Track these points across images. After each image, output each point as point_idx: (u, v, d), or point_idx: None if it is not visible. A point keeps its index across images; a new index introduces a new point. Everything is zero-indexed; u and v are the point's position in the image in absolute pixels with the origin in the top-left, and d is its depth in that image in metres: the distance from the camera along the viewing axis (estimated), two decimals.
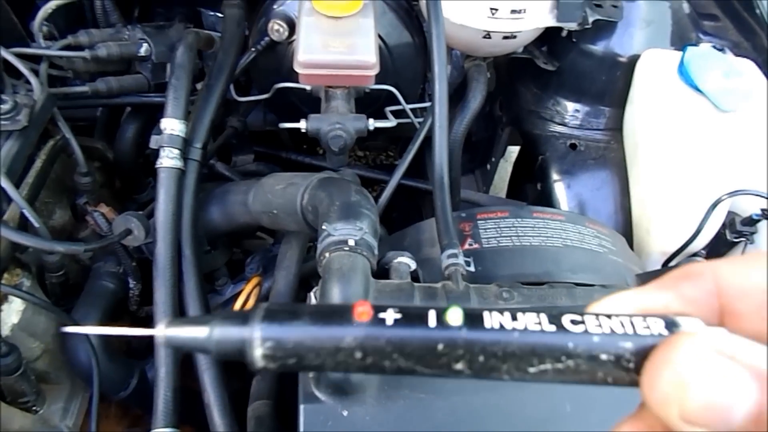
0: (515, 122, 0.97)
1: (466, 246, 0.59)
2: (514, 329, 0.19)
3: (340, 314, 0.19)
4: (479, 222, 0.62)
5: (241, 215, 0.67)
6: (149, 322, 0.74)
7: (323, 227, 0.51)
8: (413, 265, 0.53)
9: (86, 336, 0.63)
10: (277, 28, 0.81)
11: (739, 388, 0.16)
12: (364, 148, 1.33)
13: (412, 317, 0.19)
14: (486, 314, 0.19)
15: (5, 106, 0.59)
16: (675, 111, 0.72)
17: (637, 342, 0.18)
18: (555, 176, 0.84)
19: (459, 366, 0.19)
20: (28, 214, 0.58)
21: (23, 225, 0.63)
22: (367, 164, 1.40)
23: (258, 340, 0.20)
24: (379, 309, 0.19)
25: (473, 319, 0.19)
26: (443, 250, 0.53)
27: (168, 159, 0.62)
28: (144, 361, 0.70)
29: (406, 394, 0.44)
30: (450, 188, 0.60)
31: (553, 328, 0.19)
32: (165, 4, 0.96)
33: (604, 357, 0.18)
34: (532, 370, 0.18)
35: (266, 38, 0.82)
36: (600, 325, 0.19)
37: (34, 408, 0.63)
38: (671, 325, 0.19)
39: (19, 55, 0.70)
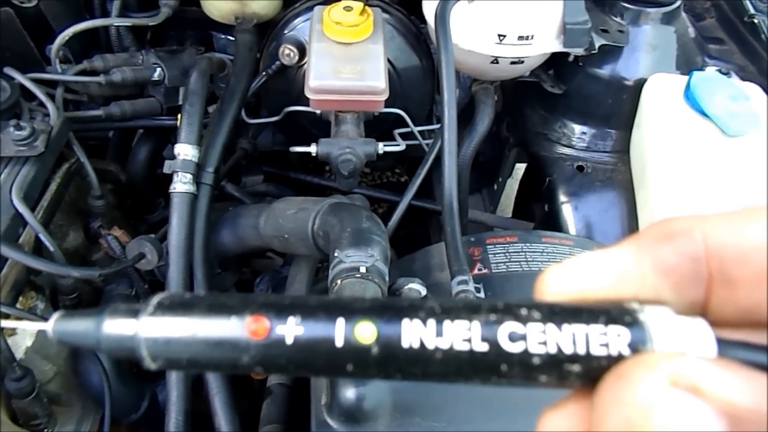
0: (522, 144, 0.97)
1: (476, 271, 0.60)
2: (436, 348, 0.15)
3: (234, 327, 0.16)
4: (488, 247, 0.62)
5: (253, 239, 0.68)
6: None
7: (335, 254, 0.52)
8: (423, 291, 0.54)
9: (98, 358, 0.64)
10: (287, 53, 0.82)
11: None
12: (370, 167, 1.34)
13: (317, 334, 0.16)
14: (405, 327, 0.15)
15: (23, 133, 0.60)
16: (682, 135, 0.72)
17: (586, 364, 0.15)
18: (562, 198, 0.85)
19: (375, 378, 0.16)
20: (44, 238, 0.59)
21: (38, 248, 0.64)
22: (374, 182, 1.41)
23: (143, 341, 0.16)
24: (276, 321, 0.16)
25: (388, 336, 0.15)
26: (453, 277, 0.54)
27: (181, 184, 0.63)
28: (155, 384, 0.70)
29: (418, 422, 0.44)
30: (459, 211, 0.61)
31: (485, 347, 0.15)
32: (177, 28, 0.97)
33: (543, 379, 0.15)
34: (457, 383, 0.16)
35: (277, 62, 0.83)
36: (545, 342, 0.15)
37: (45, 430, 0.64)
38: (636, 343, 0.15)
39: (36, 80, 0.71)
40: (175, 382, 0.60)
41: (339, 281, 0.50)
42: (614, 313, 0.15)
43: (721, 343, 0.14)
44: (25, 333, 0.61)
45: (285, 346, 0.16)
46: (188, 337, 0.16)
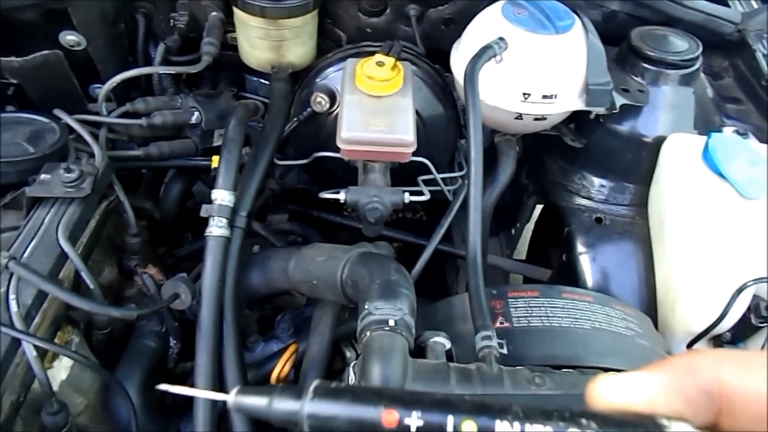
0: (541, 192, 1.00)
1: (498, 324, 0.61)
2: None
3: (372, 418, 0.22)
4: (510, 300, 0.64)
5: (281, 282, 0.71)
6: (185, 380, 0.77)
7: (365, 306, 0.54)
8: (448, 345, 0.56)
9: (127, 393, 0.66)
10: (319, 101, 0.86)
11: None
12: None
13: (433, 427, 0.22)
14: (497, 425, 0.21)
15: (72, 175, 0.63)
16: (700, 196, 0.74)
17: None
18: (580, 248, 0.87)
19: None
20: (86, 277, 0.62)
21: (76, 283, 0.67)
22: (390, 220, 1.43)
23: (305, 417, 0.23)
24: (404, 414, 0.22)
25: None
26: (477, 332, 0.56)
27: (217, 228, 0.66)
28: (179, 419, 0.72)
29: None
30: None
31: None
32: (211, 70, 1.02)
33: None
34: None
35: (308, 109, 0.87)
36: None
37: None
38: None
39: (81, 121, 0.75)
40: (201, 420, 0.62)
41: (368, 333, 0.52)
42: (650, 426, 0.20)
43: None
44: (60, 366, 0.63)
45: None
46: (338, 417, 0.22)
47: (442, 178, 0.91)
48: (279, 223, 0.98)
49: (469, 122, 0.67)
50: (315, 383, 0.24)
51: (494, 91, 0.76)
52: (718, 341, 0.74)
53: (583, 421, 0.21)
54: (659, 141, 0.83)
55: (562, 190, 0.93)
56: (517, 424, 0.21)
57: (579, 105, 0.78)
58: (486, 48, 0.73)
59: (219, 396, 0.26)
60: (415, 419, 0.21)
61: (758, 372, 0.20)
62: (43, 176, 0.65)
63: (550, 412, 0.21)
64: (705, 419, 0.20)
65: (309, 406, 0.23)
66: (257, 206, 0.90)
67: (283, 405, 0.23)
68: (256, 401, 0.24)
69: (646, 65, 0.84)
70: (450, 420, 0.21)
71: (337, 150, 0.76)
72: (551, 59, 0.75)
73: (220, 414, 0.65)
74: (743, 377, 0.20)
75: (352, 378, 0.54)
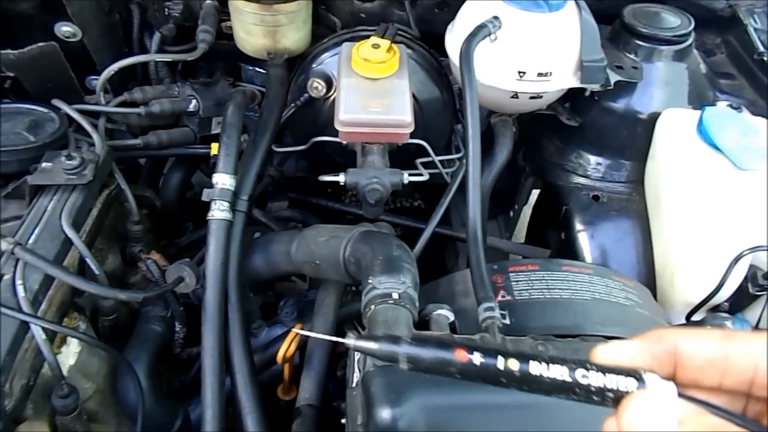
0: (539, 173, 1.01)
1: (499, 298, 0.62)
2: (546, 376, 0.30)
3: (448, 355, 0.31)
4: (511, 274, 0.65)
5: (284, 264, 0.71)
6: (190, 365, 0.78)
7: (368, 281, 0.55)
8: (451, 317, 0.57)
9: (136, 377, 0.66)
10: (316, 86, 0.86)
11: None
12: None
13: (490, 363, 0.30)
14: (532, 364, 0.30)
15: (74, 162, 0.64)
16: (695, 168, 0.75)
17: (616, 394, 0.29)
18: (579, 226, 0.88)
19: (513, 388, 0.30)
20: (91, 263, 0.63)
21: (81, 271, 0.68)
22: (388, 207, 1.44)
23: (403, 356, 0.31)
24: (469, 353, 0.30)
25: (525, 368, 0.30)
26: (479, 303, 0.56)
27: (219, 211, 0.67)
28: (187, 403, 0.73)
29: None
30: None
31: (569, 379, 0.29)
32: (207, 59, 1.02)
33: (595, 398, 0.30)
34: (552, 396, 0.30)
35: (305, 94, 0.87)
36: (599, 381, 0.29)
37: None
38: (640, 381, 0.29)
39: (80, 111, 0.76)
40: (210, 401, 0.62)
41: (373, 306, 0.53)
42: (632, 372, 0.30)
43: (680, 393, 0.29)
44: (68, 352, 0.64)
45: (473, 365, 0.30)
46: (425, 354, 0.31)
47: (440, 161, 0.92)
48: (279, 210, 0.99)
49: (466, 100, 0.68)
50: (410, 335, 0.34)
51: (489, 70, 0.77)
52: (717, 312, 0.75)
53: (588, 365, 0.30)
54: (654, 117, 0.83)
55: (559, 170, 0.93)
56: (544, 365, 0.30)
57: (574, 82, 0.79)
58: (481, 27, 0.73)
59: (340, 339, 0.34)
60: (477, 357, 0.30)
61: (700, 339, 0.30)
62: (44, 164, 0.66)
63: (565, 359, 0.30)
64: (668, 371, 0.31)
65: (405, 349, 0.31)
66: (257, 193, 0.91)
67: (387, 348, 0.31)
68: (368, 345, 0.32)
69: (639, 42, 0.85)
70: (500, 359, 0.30)
71: (336, 134, 0.77)
72: (545, 37, 0.75)
73: (228, 397, 0.66)
74: (690, 342, 0.30)
75: (357, 352, 0.54)
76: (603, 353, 0.31)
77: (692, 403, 0.29)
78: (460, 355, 0.30)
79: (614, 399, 0.29)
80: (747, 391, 0.30)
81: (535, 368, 0.30)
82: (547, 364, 0.30)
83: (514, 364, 0.30)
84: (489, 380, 0.30)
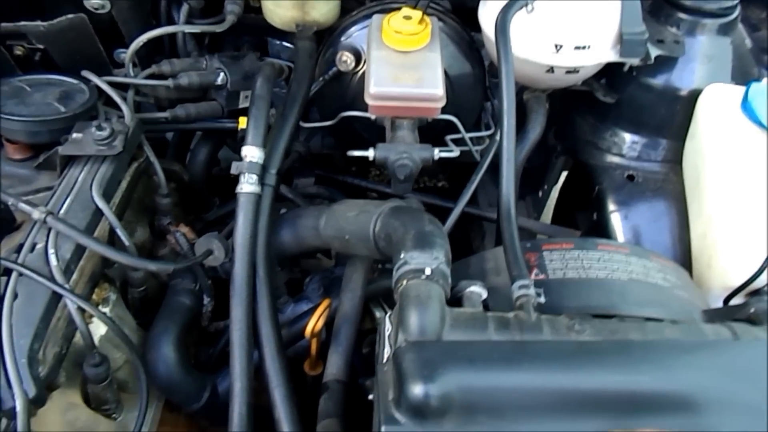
0: (570, 152, 0.98)
1: (533, 276, 0.61)
2: None
3: None
4: (545, 253, 0.63)
5: (312, 239, 0.71)
6: (218, 338, 0.78)
7: (401, 255, 0.54)
8: (484, 294, 0.55)
9: (164, 349, 0.67)
10: (344, 59, 0.84)
11: None
12: None
13: None
14: None
15: (104, 133, 0.64)
16: (739, 147, 0.72)
17: None
18: (612, 207, 0.85)
19: None
20: (121, 234, 0.63)
21: (111, 242, 0.68)
22: (413, 188, 1.42)
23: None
24: None
25: None
26: (514, 281, 0.55)
27: (248, 185, 0.66)
28: (215, 375, 0.73)
29: (483, 421, 0.45)
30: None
31: None
32: (235, 33, 1.01)
33: None
34: None
35: (334, 68, 0.86)
36: None
37: (113, 415, 0.67)
38: None
39: (109, 83, 0.75)
40: (238, 374, 0.62)
41: (404, 281, 0.52)
42: None
43: None
44: (99, 323, 0.64)
45: None
46: None
47: (470, 138, 0.90)
48: (306, 187, 0.98)
49: (502, 73, 0.65)
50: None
51: (525, 43, 0.74)
52: (756, 295, 0.72)
53: None
54: (694, 94, 0.80)
55: (592, 148, 0.91)
56: None
57: (612, 56, 0.76)
58: None
59: None
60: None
61: None
62: (75, 135, 0.66)
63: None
64: None
65: None
66: (284, 168, 0.90)
67: None
68: None
69: (681, 15, 0.81)
70: None
71: (364, 109, 0.75)
72: (584, 8, 0.73)
73: (256, 369, 0.66)
74: None
75: (388, 327, 0.54)
76: None
77: None
78: None
79: None
80: None
81: None
82: None
83: None
84: None
